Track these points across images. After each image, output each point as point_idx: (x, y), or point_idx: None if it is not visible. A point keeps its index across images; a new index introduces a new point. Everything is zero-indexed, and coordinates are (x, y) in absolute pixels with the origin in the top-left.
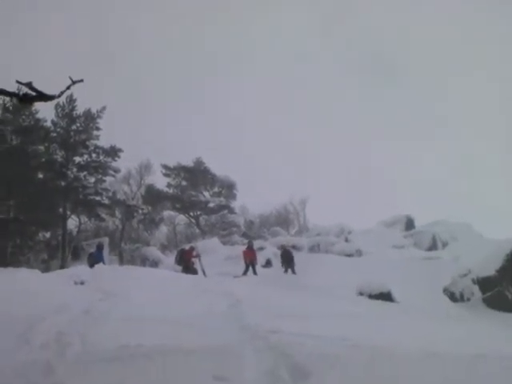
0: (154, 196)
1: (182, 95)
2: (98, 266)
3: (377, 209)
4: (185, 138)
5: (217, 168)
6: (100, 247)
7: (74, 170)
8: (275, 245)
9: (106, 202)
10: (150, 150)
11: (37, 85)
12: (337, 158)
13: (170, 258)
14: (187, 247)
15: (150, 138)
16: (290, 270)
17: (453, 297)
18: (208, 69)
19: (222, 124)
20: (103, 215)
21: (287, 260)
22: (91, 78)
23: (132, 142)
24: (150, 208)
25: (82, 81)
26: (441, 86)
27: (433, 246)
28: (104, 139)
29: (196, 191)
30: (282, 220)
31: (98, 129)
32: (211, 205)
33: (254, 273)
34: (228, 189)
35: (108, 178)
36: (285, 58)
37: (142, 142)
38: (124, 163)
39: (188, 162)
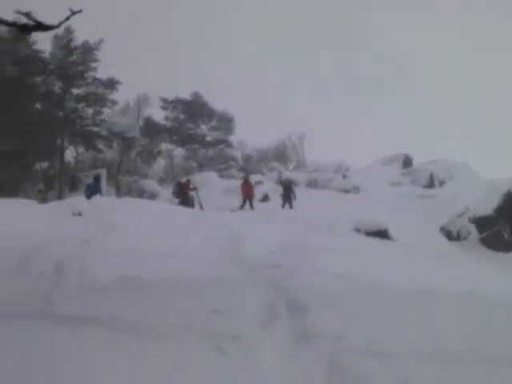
0: (151, 128)
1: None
2: (96, 198)
3: (375, 147)
4: (185, 71)
5: (216, 101)
6: (97, 179)
7: (72, 101)
8: (273, 180)
9: (104, 133)
10: (149, 82)
11: (35, 14)
12: (337, 94)
13: (167, 191)
14: (184, 180)
15: (150, 71)
16: (287, 205)
17: (450, 236)
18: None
19: (223, 59)
20: (101, 147)
21: (288, 193)
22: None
23: (131, 74)
24: (147, 141)
25: (80, 11)
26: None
27: (430, 184)
28: (102, 71)
29: (194, 124)
30: (280, 155)
31: (96, 60)
32: (209, 138)
33: (251, 207)
34: (226, 123)
35: (106, 110)
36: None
37: (141, 74)
38: (122, 95)
39: (186, 95)
